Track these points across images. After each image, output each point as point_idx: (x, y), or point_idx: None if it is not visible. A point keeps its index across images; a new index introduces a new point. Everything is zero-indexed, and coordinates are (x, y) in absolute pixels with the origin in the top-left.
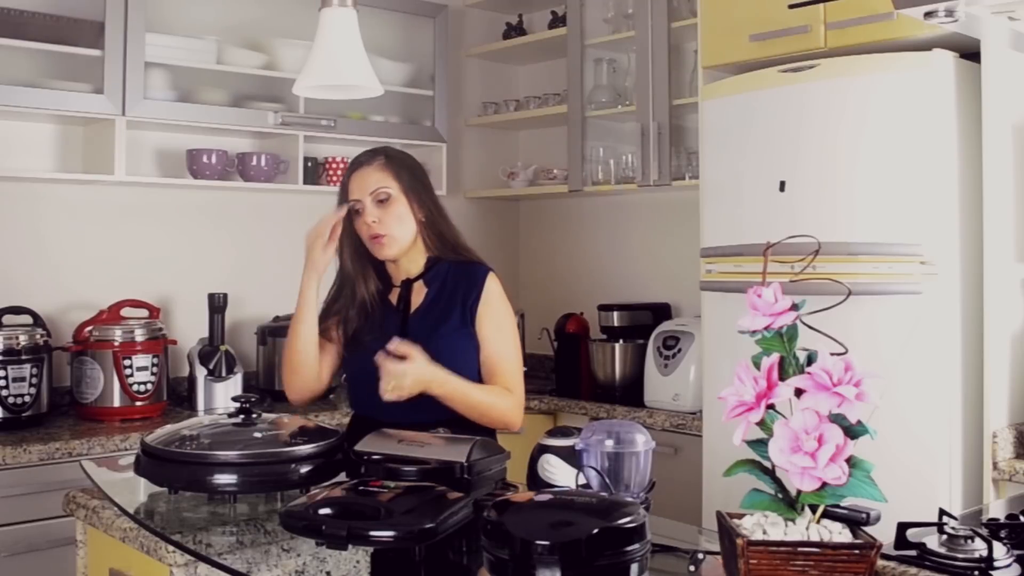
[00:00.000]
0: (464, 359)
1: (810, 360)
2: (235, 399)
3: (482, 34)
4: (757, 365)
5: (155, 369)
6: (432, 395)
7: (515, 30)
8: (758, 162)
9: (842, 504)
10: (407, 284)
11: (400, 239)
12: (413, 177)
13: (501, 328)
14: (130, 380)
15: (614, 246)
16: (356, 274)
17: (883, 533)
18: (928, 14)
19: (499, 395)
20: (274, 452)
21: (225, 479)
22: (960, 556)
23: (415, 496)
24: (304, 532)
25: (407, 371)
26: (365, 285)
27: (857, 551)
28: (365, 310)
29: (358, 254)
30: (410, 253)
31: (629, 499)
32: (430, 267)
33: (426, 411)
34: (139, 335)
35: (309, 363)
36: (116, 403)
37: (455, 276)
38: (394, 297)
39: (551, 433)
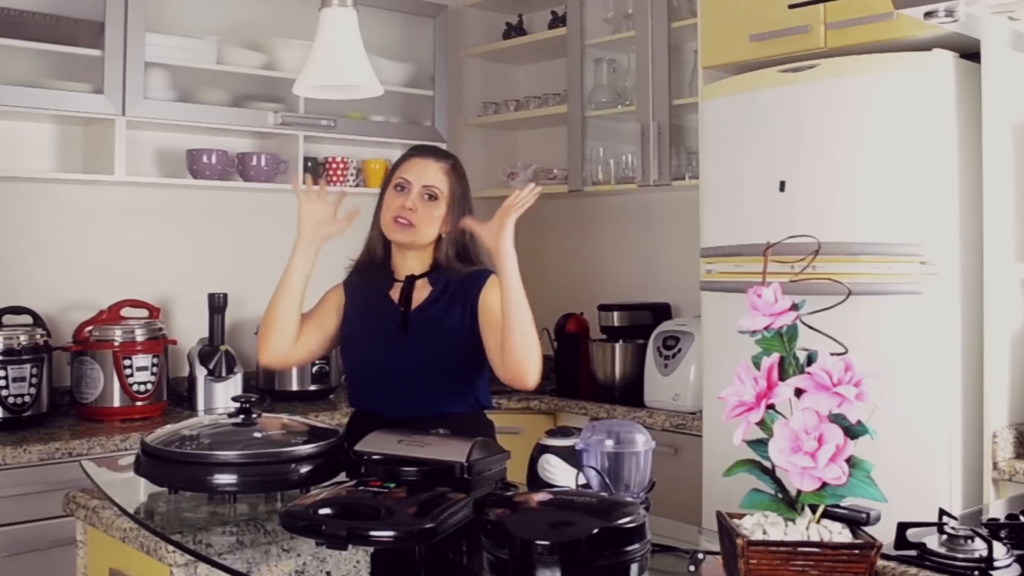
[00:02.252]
0: (465, 356)
1: (810, 360)
2: (235, 399)
3: (482, 34)
4: (757, 365)
5: (155, 369)
6: (504, 272)
7: (515, 30)
8: (758, 162)
9: (842, 504)
10: (411, 280)
11: (422, 235)
12: (464, 195)
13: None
14: (130, 380)
15: (614, 246)
16: (377, 242)
17: (883, 533)
18: (928, 14)
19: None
20: (274, 452)
21: (225, 479)
22: (960, 556)
23: (415, 496)
24: (304, 532)
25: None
26: (380, 248)
27: (857, 551)
28: (367, 302)
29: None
30: (420, 254)
31: (629, 499)
32: (435, 268)
33: (425, 405)
34: (139, 335)
35: (288, 323)
36: (116, 403)
37: (459, 279)
38: (394, 293)
39: (551, 433)
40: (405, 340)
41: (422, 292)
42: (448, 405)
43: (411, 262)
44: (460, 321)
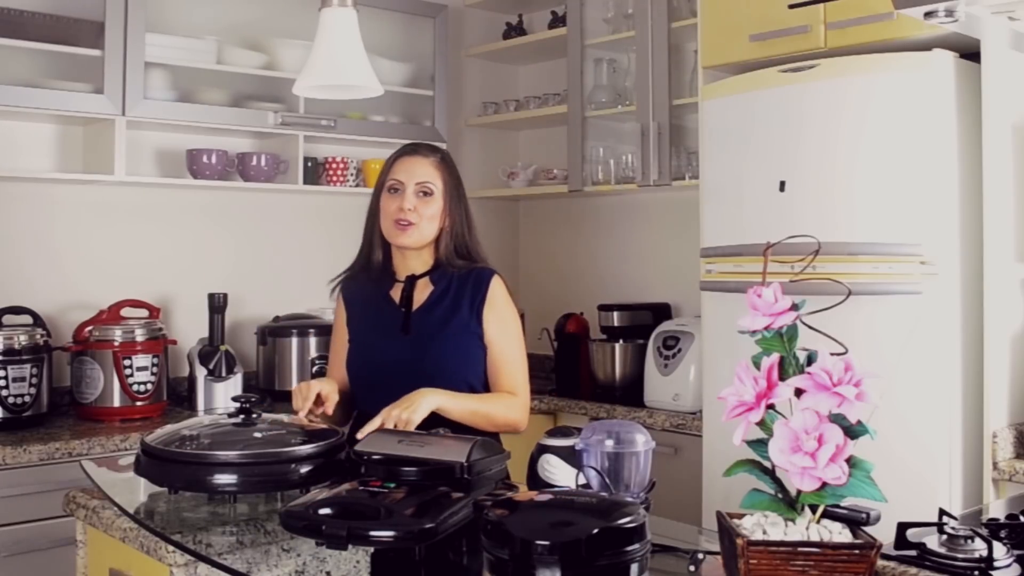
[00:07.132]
0: (469, 358)
1: (810, 360)
2: (235, 399)
3: (482, 34)
4: (757, 365)
5: (155, 369)
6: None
7: (515, 30)
8: (758, 162)
9: (842, 504)
10: (411, 280)
11: (424, 234)
12: (457, 186)
13: (506, 330)
14: (130, 380)
15: (614, 246)
16: (376, 246)
17: (883, 533)
18: (928, 14)
19: (504, 401)
20: (274, 452)
21: (225, 479)
22: (960, 556)
23: (415, 496)
24: (304, 532)
25: (413, 410)
26: (379, 252)
27: (857, 551)
28: (367, 304)
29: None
30: (421, 252)
31: (629, 499)
32: (436, 267)
33: None
34: (139, 335)
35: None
36: (116, 403)
37: (461, 278)
38: (395, 293)
39: (551, 433)
40: (407, 341)
41: (423, 292)
42: None
43: (412, 262)
44: (467, 321)
